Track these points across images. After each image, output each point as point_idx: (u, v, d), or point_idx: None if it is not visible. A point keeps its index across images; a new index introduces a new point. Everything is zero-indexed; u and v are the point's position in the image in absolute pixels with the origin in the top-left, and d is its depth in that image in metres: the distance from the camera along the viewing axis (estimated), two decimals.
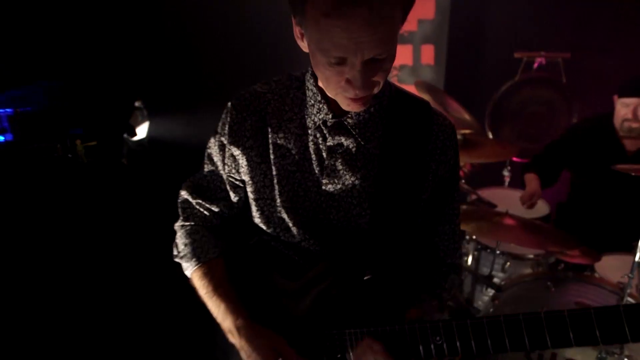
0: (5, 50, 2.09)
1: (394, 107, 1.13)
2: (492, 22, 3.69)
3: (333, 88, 0.99)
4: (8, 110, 1.93)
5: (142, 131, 2.42)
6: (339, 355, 1.11)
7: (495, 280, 2.41)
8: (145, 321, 2.36)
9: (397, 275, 1.20)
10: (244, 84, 1.23)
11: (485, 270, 2.55)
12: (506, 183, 3.11)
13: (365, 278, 1.16)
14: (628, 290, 2.01)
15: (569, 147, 2.84)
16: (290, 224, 1.17)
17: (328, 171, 1.12)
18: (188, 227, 1.29)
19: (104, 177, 2.22)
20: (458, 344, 0.95)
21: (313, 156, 1.13)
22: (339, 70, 0.94)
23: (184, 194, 1.30)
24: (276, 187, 1.16)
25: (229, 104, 1.19)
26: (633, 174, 1.96)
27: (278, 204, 1.16)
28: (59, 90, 2.14)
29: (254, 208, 1.22)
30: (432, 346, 0.97)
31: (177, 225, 1.31)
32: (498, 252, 2.50)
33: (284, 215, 1.17)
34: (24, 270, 2.09)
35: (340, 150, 1.12)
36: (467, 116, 3.00)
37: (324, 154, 1.12)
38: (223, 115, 1.20)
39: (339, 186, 1.13)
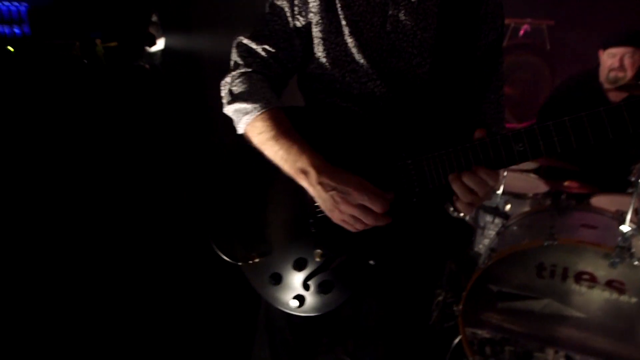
0: None
1: None
2: None
3: None
4: (24, 4, 1.82)
5: (159, 44, 2.37)
6: (415, 184, 1.12)
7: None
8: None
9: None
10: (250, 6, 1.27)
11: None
12: None
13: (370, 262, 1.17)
14: (628, 215, 2.15)
15: (559, 105, 3.01)
16: (359, 63, 1.21)
17: (392, 20, 1.19)
18: (251, 72, 1.26)
19: (123, 80, 2.15)
20: (541, 144, 0.99)
21: (377, 7, 1.19)
22: None
23: (245, 41, 1.29)
24: (344, 29, 1.20)
25: None
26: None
27: (347, 44, 1.21)
28: None
29: (320, 49, 1.24)
30: (516, 152, 1.01)
31: (236, 72, 1.27)
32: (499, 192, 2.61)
33: (353, 53, 1.21)
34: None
35: (403, 3, 1.19)
36: None
37: (388, 6, 1.19)
38: None
39: (401, 35, 1.19)
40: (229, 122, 1.29)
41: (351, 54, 1.21)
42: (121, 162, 2.28)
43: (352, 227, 1.11)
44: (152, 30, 2.25)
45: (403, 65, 1.21)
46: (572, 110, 2.78)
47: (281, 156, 1.16)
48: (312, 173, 1.11)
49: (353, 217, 1.09)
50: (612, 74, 2.80)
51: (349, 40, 1.21)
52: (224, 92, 1.28)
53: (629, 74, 2.76)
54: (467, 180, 1.04)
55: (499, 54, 1.29)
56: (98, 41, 1.94)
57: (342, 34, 1.21)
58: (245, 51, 1.28)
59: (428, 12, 1.19)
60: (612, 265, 1.91)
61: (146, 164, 2.39)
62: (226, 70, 1.32)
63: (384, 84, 1.21)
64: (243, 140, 1.23)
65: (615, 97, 2.88)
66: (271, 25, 1.27)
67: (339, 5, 1.21)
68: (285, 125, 1.18)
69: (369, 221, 1.09)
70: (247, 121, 1.20)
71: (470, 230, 1.16)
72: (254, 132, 1.20)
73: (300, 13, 1.24)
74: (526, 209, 2.66)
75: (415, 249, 1.20)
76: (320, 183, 1.10)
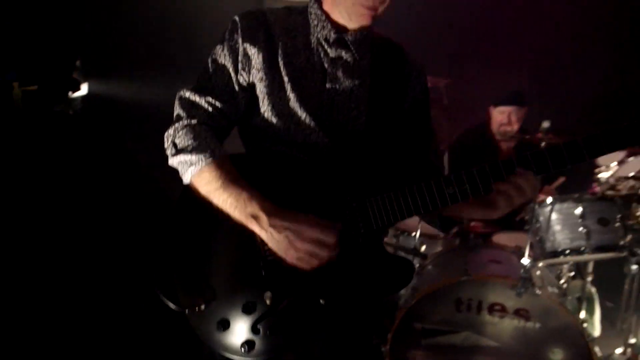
0: None
1: (378, 38, 1.39)
2: None
3: None
4: None
5: (82, 89, 2.26)
6: (360, 225, 1.21)
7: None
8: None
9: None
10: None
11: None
12: None
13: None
14: (526, 249, 2.43)
15: (459, 154, 3.37)
16: (302, 117, 1.29)
17: (331, 77, 1.31)
18: (194, 124, 1.28)
19: (43, 127, 1.99)
20: (467, 188, 1.16)
21: (317, 66, 1.31)
22: None
23: (187, 95, 1.31)
24: (287, 85, 1.29)
25: (236, 17, 1.32)
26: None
27: (290, 99, 1.29)
28: None
29: (265, 103, 1.30)
30: (447, 195, 1.17)
31: (179, 124, 1.28)
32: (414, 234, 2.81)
33: (296, 107, 1.28)
34: None
35: (340, 62, 1.31)
36: None
37: (327, 64, 1.31)
38: (229, 26, 1.32)
39: (340, 91, 1.31)
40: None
41: (294, 108, 1.29)
42: (39, 214, 2.10)
43: (308, 264, 1.16)
44: (76, 75, 2.17)
45: (342, 118, 1.32)
46: (473, 157, 3.13)
47: (230, 203, 1.19)
48: (263, 217, 1.16)
49: (309, 253, 1.14)
50: (502, 128, 3.21)
51: (292, 96, 1.29)
52: (167, 144, 1.29)
53: (515, 127, 3.19)
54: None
55: (428, 107, 1.45)
56: (15, 84, 1.82)
57: (284, 90, 1.29)
58: (188, 104, 1.31)
59: (362, 70, 1.33)
60: (518, 295, 2.13)
61: (66, 212, 2.22)
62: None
63: (326, 135, 1.30)
64: (188, 189, 1.25)
65: (505, 145, 3.30)
66: (214, 80, 1.32)
67: (281, 62, 1.30)
68: (232, 174, 1.22)
69: (325, 253, 1.15)
70: (193, 172, 1.22)
71: (411, 269, 1.25)
72: (201, 183, 1.22)
73: (244, 69, 1.31)
74: (439, 248, 2.89)
75: (361, 288, 1.26)
76: (272, 226, 1.15)
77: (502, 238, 2.85)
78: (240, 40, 1.30)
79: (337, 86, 1.31)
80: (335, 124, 1.31)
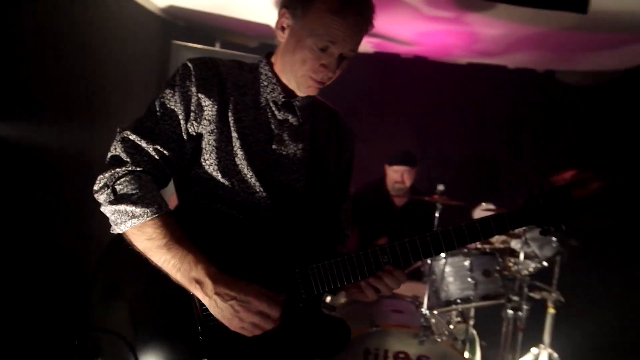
0: None
1: (317, 101, 1.48)
2: None
3: (306, 69, 1.29)
4: None
5: None
6: (302, 291, 1.27)
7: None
8: None
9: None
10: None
11: None
12: None
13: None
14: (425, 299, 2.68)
15: (358, 207, 3.62)
16: (247, 175, 1.30)
17: (277, 139, 1.35)
18: (139, 172, 1.23)
19: None
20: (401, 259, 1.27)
21: (264, 126, 1.35)
22: (318, 56, 1.27)
23: (132, 137, 1.25)
24: (235, 141, 1.30)
25: (187, 61, 1.31)
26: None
27: (237, 155, 1.30)
28: None
29: (213, 156, 1.29)
30: (382, 263, 1.27)
31: (121, 169, 1.21)
32: None
33: (242, 165, 1.30)
34: None
35: (286, 125, 1.38)
36: None
37: (273, 126, 1.36)
38: (180, 70, 1.31)
39: (284, 152, 1.36)
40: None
41: (240, 165, 1.30)
42: None
43: (250, 333, 1.18)
44: None
45: (284, 179, 1.36)
46: (371, 210, 3.38)
47: (173, 265, 1.17)
48: (208, 283, 1.16)
49: (253, 324, 1.17)
50: (396, 186, 3.54)
51: (239, 153, 1.30)
52: (104, 190, 1.21)
53: (407, 185, 3.54)
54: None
55: (351, 172, 1.58)
56: None
57: (232, 145, 1.30)
58: (132, 148, 1.25)
59: (304, 134, 1.40)
60: (420, 343, 2.33)
61: None
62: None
63: (268, 196, 1.32)
64: (119, 241, 1.21)
65: (398, 201, 3.63)
66: (162, 125, 1.28)
67: (231, 118, 1.31)
68: (177, 233, 1.20)
69: (269, 326, 1.18)
70: (133, 224, 1.18)
71: (348, 331, 1.34)
72: (141, 237, 1.19)
73: (195, 119, 1.29)
74: (343, 299, 3.03)
75: (299, 352, 1.30)
76: (218, 294, 1.16)
77: (400, 288, 3.10)
78: (194, 89, 1.28)
79: (282, 148, 1.36)
80: (277, 184, 1.35)
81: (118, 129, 1.29)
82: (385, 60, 4.36)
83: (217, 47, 4.15)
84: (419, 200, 3.49)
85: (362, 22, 1.28)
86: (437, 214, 2.64)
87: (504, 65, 4.36)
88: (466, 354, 2.92)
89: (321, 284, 1.28)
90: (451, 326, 2.87)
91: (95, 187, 1.23)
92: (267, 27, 4.01)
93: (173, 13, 3.96)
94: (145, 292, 1.25)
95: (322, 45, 1.26)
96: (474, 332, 3.14)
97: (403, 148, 3.81)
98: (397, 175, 3.53)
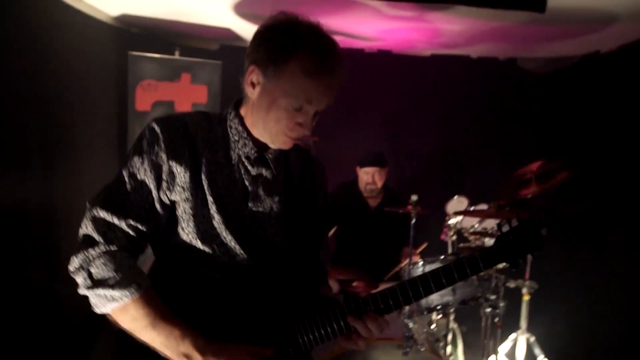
0: None
1: (289, 150, 1.42)
2: None
3: (281, 127, 1.26)
4: None
5: None
6: (290, 349, 1.28)
7: None
8: None
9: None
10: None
11: None
12: None
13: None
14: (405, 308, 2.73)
15: (334, 209, 3.62)
16: (226, 238, 1.28)
17: (252, 196, 1.32)
18: (114, 252, 1.20)
19: None
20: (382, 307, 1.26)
21: (239, 183, 1.32)
22: (293, 115, 1.24)
23: (102, 215, 1.21)
24: (211, 206, 1.27)
25: (154, 124, 1.26)
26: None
27: (215, 220, 1.27)
28: None
29: (191, 224, 1.26)
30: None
31: (95, 251, 1.18)
32: None
33: (220, 229, 1.27)
34: None
35: (260, 179, 1.34)
36: None
37: (248, 182, 1.33)
38: (147, 135, 1.25)
39: (260, 209, 1.34)
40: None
41: (219, 229, 1.27)
42: None
43: None
44: None
45: (262, 235, 1.34)
46: (344, 211, 3.37)
47: (161, 342, 1.16)
48: (197, 356, 1.16)
49: None
50: (368, 187, 3.55)
51: (216, 217, 1.26)
52: (79, 272, 1.18)
53: (379, 185, 3.56)
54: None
55: (327, 209, 1.56)
56: None
57: (208, 209, 1.26)
58: (104, 226, 1.21)
59: (279, 185, 1.38)
60: (405, 354, 2.39)
61: None
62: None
63: (249, 257, 1.30)
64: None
65: (372, 202, 3.65)
66: (133, 197, 1.24)
67: (205, 180, 1.26)
68: (160, 310, 1.19)
69: None
70: (115, 308, 1.17)
71: None
72: (125, 319, 1.18)
73: (168, 188, 1.25)
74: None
75: None
76: None
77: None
78: (164, 157, 1.23)
79: (259, 204, 1.33)
80: (257, 241, 1.33)
81: (87, 204, 1.24)
82: (349, 56, 4.31)
83: (176, 55, 4.02)
84: (394, 200, 3.54)
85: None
86: (412, 222, 2.67)
87: (467, 55, 4.39)
88: (449, 349, 3.01)
89: (308, 341, 1.29)
90: (433, 325, 2.94)
91: (70, 268, 1.20)
92: (226, 30, 3.91)
93: (128, 22, 3.80)
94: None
95: (297, 106, 1.24)
96: (455, 325, 3.23)
97: (373, 146, 3.82)
98: (368, 177, 3.54)
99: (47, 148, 2.70)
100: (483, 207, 3.25)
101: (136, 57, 3.76)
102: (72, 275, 1.21)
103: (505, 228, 1.30)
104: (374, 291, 1.31)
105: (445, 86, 4.44)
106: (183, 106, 4.03)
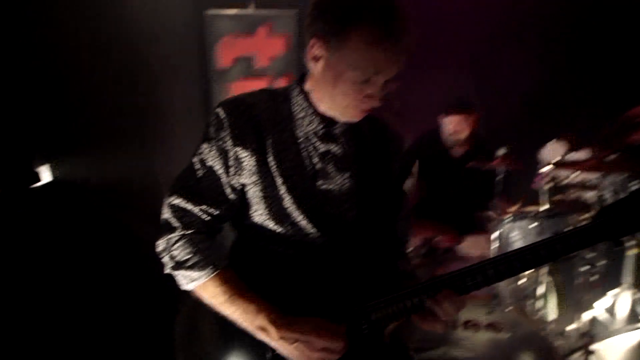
0: None
1: (361, 121, 1.36)
2: None
3: (350, 101, 1.23)
4: None
5: (45, 175, 2.10)
6: (364, 326, 1.28)
7: None
8: None
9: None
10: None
11: None
12: None
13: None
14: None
15: (413, 160, 3.50)
16: (298, 219, 1.29)
17: (322, 173, 1.31)
18: (190, 235, 1.27)
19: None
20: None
21: (307, 161, 1.30)
22: (361, 87, 1.20)
23: (177, 202, 1.28)
24: (281, 187, 1.28)
25: (219, 109, 1.27)
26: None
27: (286, 201, 1.28)
28: None
29: (261, 206, 1.29)
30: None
31: (174, 235, 1.27)
32: None
33: (291, 210, 1.28)
34: None
35: (329, 156, 1.32)
36: None
37: (316, 159, 1.31)
38: (214, 123, 1.27)
39: (331, 186, 1.32)
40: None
41: (290, 209, 1.29)
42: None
43: None
44: (37, 159, 2.00)
45: (335, 212, 1.33)
46: (427, 161, 3.20)
47: (239, 316, 1.24)
48: (272, 330, 1.21)
49: (319, 359, 1.22)
50: (453, 137, 3.36)
51: (286, 197, 1.28)
52: (163, 257, 1.29)
53: (465, 134, 3.35)
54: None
55: (403, 179, 1.52)
56: None
57: (278, 190, 1.28)
58: (180, 212, 1.28)
59: (349, 160, 1.35)
60: (489, 313, 2.33)
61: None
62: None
63: (321, 234, 1.31)
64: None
65: (456, 152, 3.47)
66: (204, 183, 1.28)
67: (272, 162, 1.27)
68: (237, 286, 1.25)
69: (334, 357, 1.23)
70: (195, 286, 1.26)
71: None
72: (205, 295, 1.27)
73: (236, 173, 1.28)
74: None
75: None
76: (282, 338, 1.20)
77: (467, 245, 3.06)
78: (230, 142, 1.25)
79: (329, 182, 1.32)
80: (329, 219, 1.33)
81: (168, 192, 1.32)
82: None
83: (251, 9, 3.98)
84: (480, 151, 3.33)
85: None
86: (497, 179, 2.50)
87: None
88: (539, 303, 2.87)
89: (382, 319, 1.28)
90: (521, 281, 2.80)
91: (157, 250, 1.32)
92: None
93: None
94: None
95: (364, 78, 1.18)
96: (549, 278, 3.05)
97: (459, 92, 3.57)
98: (453, 125, 3.34)
99: (139, 119, 2.87)
100: (584, 154, 2.95)
101: (212, 16, 3.79)
102: (159, 256, 1.32)
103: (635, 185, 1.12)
104: (452, 270, 1.25)
105: (541, 16, 3.95)
106: (262, 61, 4.04)
